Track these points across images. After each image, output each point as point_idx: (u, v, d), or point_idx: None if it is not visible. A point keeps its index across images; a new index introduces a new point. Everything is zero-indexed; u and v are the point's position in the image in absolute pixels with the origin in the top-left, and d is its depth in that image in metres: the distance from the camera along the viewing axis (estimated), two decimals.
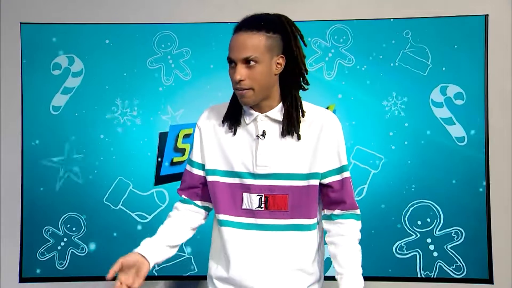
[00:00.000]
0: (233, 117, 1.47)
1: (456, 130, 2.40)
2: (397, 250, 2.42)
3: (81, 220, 2.50)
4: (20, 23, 2.52)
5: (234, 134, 1.47)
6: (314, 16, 2.46)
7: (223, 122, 1.49)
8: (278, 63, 1.40)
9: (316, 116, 1.47)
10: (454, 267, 2.40)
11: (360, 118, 2.43)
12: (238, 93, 1.40)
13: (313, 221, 1.49)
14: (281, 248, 1.45)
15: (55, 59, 2.51)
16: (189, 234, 1.55)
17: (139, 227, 2.48)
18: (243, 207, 1.46)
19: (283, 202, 1.44)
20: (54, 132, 2.50)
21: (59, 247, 2.51)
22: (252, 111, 1.46)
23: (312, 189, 1.46)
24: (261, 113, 1.46)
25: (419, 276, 2.41)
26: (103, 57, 2.50)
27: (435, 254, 2.41)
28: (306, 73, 1.47)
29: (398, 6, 2.46)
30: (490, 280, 2.38)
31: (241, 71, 1.36)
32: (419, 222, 2.41)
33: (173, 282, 2.53)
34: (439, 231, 2.41)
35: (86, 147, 2.50)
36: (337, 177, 1.48)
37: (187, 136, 2.47)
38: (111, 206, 2.49)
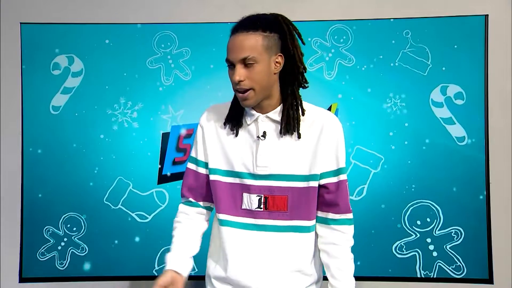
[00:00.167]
0: (234, 119, 1.48)
1: (456, 130, 2.40)
2: (397, 250, 2.42)
3: (81, 220, 2.50)
4: (20, 23, 2.52)
5: (236, 135, 1.47)
6: (314, 16, 2.46)
7: (225, 124, 1.49)
8: (277, 62, 1.41)
9: (317, 116, 1.47)
10: (453, 267, 2.40)
11: (360, 118, 2.43)
12: (239, 96, 1.40)
13: (312, 222, 1.49)
14: (280, 249, 1.45)
15: (55, 59, 2.51)
16: (200, 241, 1.56)
17: (139, 227, 2.48)
18: (243, 207, 1.46)
19: (282, 203, 1.45)
20: (54, 132, 2.50)
21: (59, 247, 2.51)
22: (253, 112, 1.47)
23: (311, 191, 1.46)
24: (262, 113, 1.46)
25: (418, 276, 2.41)
26: (103, 57, 2.50)
27: (435, 254, 2.41)
28: (305, 71, 1.47)
29: (398, 6, 2.46)
30: (490, 280, 2.38)
31: (240, 72, 1.36)
32: (418, 222, 2.41)
33: None
34: (438, 231, 2.41)
35: (86, 147, 2.50)
36: (333, 179, 1.48)
37: (188, 136, 2.47)
38: (111, 206, 2.49)
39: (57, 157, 2.50)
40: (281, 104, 1.46)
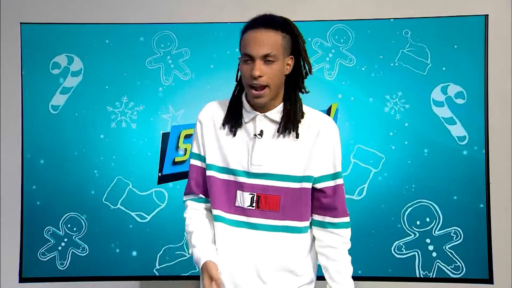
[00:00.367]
0: (234, 118, 1.48)
1: (457, 130, 2.40)
2: (396, 250, 2.42)
3: (81, 220, 2.50)
4: (20, 23, 2.52)
5: (234, 135, 1.48)
6: (314, 16, 2.46)
7: (224, 122, 1.49)
8: (288, 64, 1.43)
9: (314, 120, 1.48)
10: (452, 267, 2.40)
11: (360, 118, 2.43)
12: (253, 92, 1.40)
13: (305, 224, 1.50)
14: (271, 248, 1.46)
15: (54, 58, 2.51)
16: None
17: (139, 227, 2.48)
18: (236, 205, 1.47)
19: (274, 203, 1.45)
20: (54, 132, 2.50)
21: (59, 247, 2.51)
22: (252, 111, 1.47)
23: (304, 192, 1.47)
24: (261, 113, 1.47)
25: (418, 276, 2.41)
26: (103, 57, 2.50)
27: (434, 254, 2.41)
28: (308, 75, 1.49)
29: (398, 6, 2.46)
30: (490, 280, 2.38)
31: (261, 68, 1.37)
32: (418, 222, 2.41)
33: (173, 282, 2.53)
34: (438, 231, 2.41)
35: (86, 147, 2.50)
36: (330, 183, 1.49)
37: (188, 136, 2.47)
38: (110, 206, 2.49)
39: (56, 157, 2.49)
40: (280, 104, 1.47)
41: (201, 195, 1.55)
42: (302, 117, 1.47)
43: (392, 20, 2.44)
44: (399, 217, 2.42)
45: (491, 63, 2.40)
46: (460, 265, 2.40)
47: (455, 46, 2.40)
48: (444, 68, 2.41)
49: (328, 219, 1.50)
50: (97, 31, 2.50)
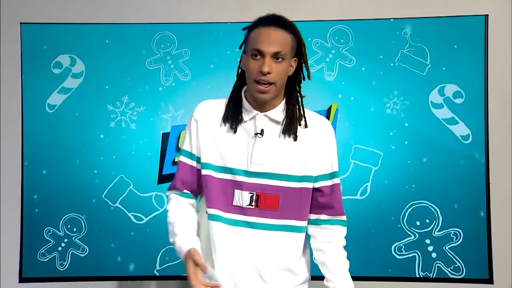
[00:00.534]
0: (233, 115, 1.48)
1: (460, 129, 2.40)
2: (396, 251, 2.42)
3: (81, 220, 2.50)
4: (20, 23, 2.52)
5: (235, 132, 1.47)
6: (314, 16, 2.46)
7: (223, 120, 1.49)
8: (291, 65, 1.46)
9: (313, 121, 1.51)
10: (452, 268, 2.40)
11: (360, 118, 2.43)
12: (258, 87, 1.41)
13: (304, 223, 1.51)
14: (270, 247, 1.46)
15: (57, 58, 2.51)
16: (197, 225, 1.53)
17: (139, 227, 2.48)
18: (233, 204, 1.47)
19: (274, 202, 1.46)
20: (53, 132, 2.50)
21: (59, 248, 2.51)
22: (251, 109, 1.48)
23: (304, 192, 1.48)
24: (261, 112, 1.47)
25: (417, 276, 2.41)
26: (103, 57, 2.50)
27: (434, 255, 2.41)
28: (306, 79, 1.52)
29: (398, 6, 2.46)
30: (490, 280, 2.38)
31: (271, 64, 1.38)
32: (418, 223, 2.41)
33: (173, 282, 2.53)
34: (438, 231, 2.41)
35: (86, 147, 2.50)
36: (327, 182, 1.51)
37: None
38: (109, 203, 2.49)
39: (56, 157, 2.49)
40: (280, 104, 1.48)
41: (185, 190, 1.54)
42: (302, 119, 1.49)
43: (392, 20, 2.44)
44: (399, 217, 2.42)
45: (491, 63, 2.40)
46: (460, 266, 2.39)
47: (455, 46, 2.40)
48: (444, 68, 2.41)
49: (324, 216, 1.52)
50: (97, 31, 2.50)
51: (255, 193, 1.45)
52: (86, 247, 2.50)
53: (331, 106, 2.44)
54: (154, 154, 2.49)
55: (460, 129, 2.40)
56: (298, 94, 1.52)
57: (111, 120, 2.50)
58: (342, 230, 1.53)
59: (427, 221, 2.41)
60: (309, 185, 1.48)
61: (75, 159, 2.49)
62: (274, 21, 1.42)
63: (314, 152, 1.48)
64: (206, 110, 1.53)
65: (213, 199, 1.48)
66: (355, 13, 2.46)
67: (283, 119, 1.48)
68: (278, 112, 1.48)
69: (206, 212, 1.50)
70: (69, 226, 2.51)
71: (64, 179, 2.49)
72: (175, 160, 2.47)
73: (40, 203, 2.50)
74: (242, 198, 1.46)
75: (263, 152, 1.45)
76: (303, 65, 1.51)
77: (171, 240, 1.48)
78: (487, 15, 2.39)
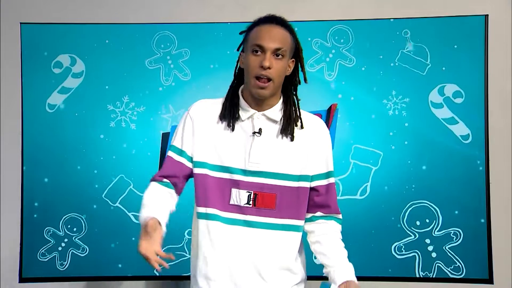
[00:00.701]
0: (230, 114, 1.48)
1: (460, 129, 2.40)
2: (396, 251, 2.42)
3: (82, 220, 2.50)
4: (20, 23, 2.52)
5: (233, 130, 1.48)
6: (314, 16, 2.46)
7: (221, 119, 1.49)
8: (289, 66, 1.48)
9: (308, 122, 1.52)
10: (452, 268, 2.40)
11: (360, 118, 2.43)
12: (257, 83, 1.42)
13: (302, 222, 1.52)
14: (268, 246, 1.46)
15: (58, 57, 2.51)
16: (172, 209, 1.49)
17: (134, 227, 2.48)
18: (230, 203, 1.47)
19: (271, 201, 1.46)
20: (53, 132, 2.50)
21: (59, 248, 2.51)
22: (249, 108, 1.48)
23: (302, 191, 1.49)
24: (259, 111, 1.48)
25: (417, 276, 2.41)
26: (103, 57, 2.50)
27: (434, 255, 2.41)
28: (305, 82, 1.54)
29: (398, 6, 2.46)
30: (490, 280, 2.38)
31: (271, 60, 1.40)
32: (418, 223, 2.41)
33: (173, 282, 2.53)
34: (437, 231, 2.41)
35: (86, 147, 2.50)
36: (323, 182, 1.52)
37: None
38: (110, 202, 2.48)
39: (56, 157, 2.49)
40: (278, 104, 1.50)
41: (165, 180, 1.51)
42: (298, 120, 1.51)
43: (392, 20, 2.43)
44: (399, 217, 2.42)
45: (491, 63, 2.39)
46: (460, 265, 2.39)
47: (455, 46, 2.40)
48: (444, 68, 2.41)
49: (319, 213, 1.53)
50: (97, 31, 2.50)
51: (252, 191, 1.46)
52: (86, 247, 2.50)
53: (331, 106, 2.44)
54: (154, 154, 2.49)
55: (460, 129, 2.40)
56: (295, 98, 1.53)
57: (111, 120, 2.50)
58: (338, 226, 1.54)
59: (427, 220, 2.41)
60: (307, 184, 1.50)
61: (75, 159, 2.49)
62: (275, 19, 1.45)
63: (310, 152, 1.49)
64: (202, 109, 1.53)
65: (210, 198, 1.47)
66: (355, 13, 2.46)
67: (281, 119, 1.49)
68: (276, 111, 1.49)
69: (198, 211, 1.49)
70: (69, 226, 2.51)
71: (64, 179, 2.49)
72: None
73: (40, 203, 2.50)
74: (240, 197, 1.46)
75: (261, 151, 1.46)
76: (300, 68, 1.53)
77: (139, 215, 1.45)
78: (487, 15, 2.39)
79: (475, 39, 2.39)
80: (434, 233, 2.41)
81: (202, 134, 1.50)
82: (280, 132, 1.47)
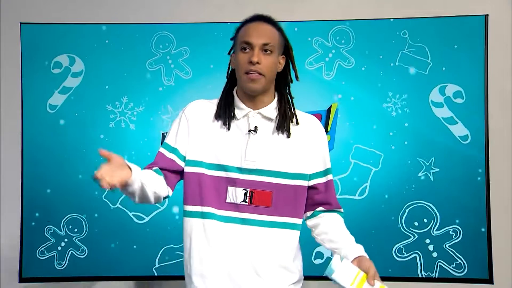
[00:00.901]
0: (226, 113, 1.49)
1: (459, 129, 2.40)
2: (397, 253, 2.41)
3: (82, 221, 2.50)
4: (20, 23, 2.52)
5: (229, 128, 1.48)
6: (314, 16, 2.46)
7: (216, 118, 1.50)
8: (279, 62, 1.49)
9: (304, 120, 1.53)
10: (454, 265, 2.40)
11: (360, 118, 2.43)
12: (248, 77, 1.43)
13: (299, 221, 1.52)
14: (264, 244, 1.46)
15: (56, 58, 2.51)
16: (154, 193, 1.46)
17: (138, 227, 2.48)
18: (227, 201, 1.47)
19: (267, 199, 1.46)
20: (54, 132, 2.50)
21: (59, 248, 2.51)
22: (244, 107, 1.49)
23: (298, 189, 1.49)
24: (254, 109, 1.49)
25: (420, 277, 2.41)
26: (103, 57, 2.50)
27: (435, 254, 2.41)
28: (297, 79, 1.56)
29: (398, 6, 2.46)
30: (490, 280, 2.38)
31: (259, 56, 1.42)
32: (416, 223, 2.41)
33: (173, 282, 2.53)
34: (436, 230, 2.41)
35: (86, 147, 2.50)
36: (322, 179, 1.53)
37: None
38: (109, 204, 2.49)
39: (56, 157, 2.49)
40: (273, 102, 1.51)
41: (155, 167, 1.49)
42: (293, 116, 1.51)
43: (392, 20, 2.44)
44: (398, 217, 2.41)
45: (491, 63, 2.40)
46: (462, 263, 2.39)
47: (455, 46, 2.40)
48: (444, 68, 2.41)
49: (320, 209, 1.54)
50: (97, 31, 2.50)
51: (249, 189, 1.46)
52: (85, 248, 2.49)
53: (331, 106, 2.44)
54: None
55: (459, 130, 2.40)
56: (289, 95, 1.54)
57: (111, 120, 2.50)
58: (341, 218, 1.55)
59: (425, 220, 2.41)
60: (304, 183, 1.50)
61: (75, 159, 2.49)
62: (262, 17, 1.48)
63: (306, 150, 1.50)
64: (198, 109, 1.54)
65: (206, 197, 1.47)
66: (355, 13, 2.46)
67: (276, 116, 1.50)
68: (271, 109, 1.50)
69: (190, 210, 1.48)
70: (70, 226, 2.50)
71: (64, 179, 2.49)
72: None
73: (40, 203, 2.50)
74: (236, 194, 1.46)
75: (257, 148, 1.46)
76: (291, 66, 1.55)
77: None
78: (487, 15, 2.39)
79: (475, 39, 2.39)
80: (433, 232, 2.41)
81: (197, 133, 1.50)
82: (276, 129, 1.48)
